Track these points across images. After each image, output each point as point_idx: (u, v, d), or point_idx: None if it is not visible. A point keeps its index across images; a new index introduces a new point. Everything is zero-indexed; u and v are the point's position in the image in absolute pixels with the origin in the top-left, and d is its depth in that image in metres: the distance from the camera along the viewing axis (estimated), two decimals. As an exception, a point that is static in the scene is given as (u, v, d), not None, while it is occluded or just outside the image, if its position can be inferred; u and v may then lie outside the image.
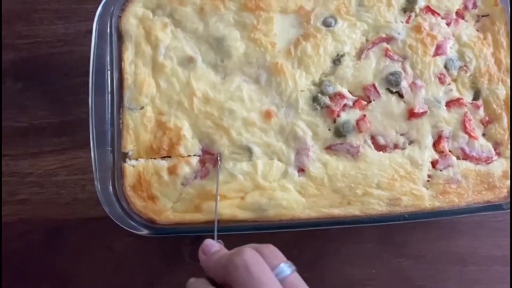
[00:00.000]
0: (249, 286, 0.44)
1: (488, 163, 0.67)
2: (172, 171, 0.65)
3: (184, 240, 0.72)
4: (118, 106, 0.67)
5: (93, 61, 0.66)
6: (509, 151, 0.68)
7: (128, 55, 0.69)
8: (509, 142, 0.68)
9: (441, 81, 0.69)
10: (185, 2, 0.70)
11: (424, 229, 0.74)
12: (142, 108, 0.67)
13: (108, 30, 0.69)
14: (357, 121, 0.67)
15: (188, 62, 0.69)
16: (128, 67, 0.68)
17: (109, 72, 0.67)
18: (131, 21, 0.70)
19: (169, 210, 0.64)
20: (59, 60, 0.78)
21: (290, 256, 0.68)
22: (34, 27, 0.80)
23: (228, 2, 0.70)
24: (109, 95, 0.67)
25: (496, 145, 0.68)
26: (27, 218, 0.72)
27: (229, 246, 0.69)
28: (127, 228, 0.62)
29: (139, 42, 0.69)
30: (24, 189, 0.73)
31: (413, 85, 0.68)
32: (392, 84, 0.68)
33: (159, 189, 0.64)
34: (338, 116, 0.67)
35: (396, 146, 0.67)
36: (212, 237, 0.57)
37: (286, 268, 0.47)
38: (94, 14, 0.68)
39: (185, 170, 0.65)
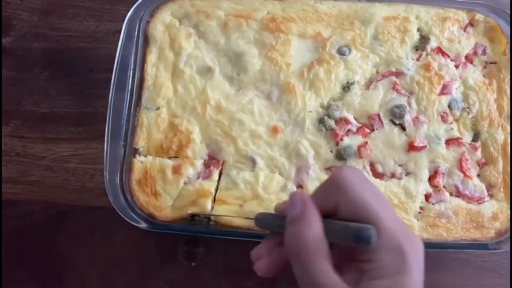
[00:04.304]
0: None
1: (480, 203, 0.69)
2: (176, 170, 0.68)
3: (180, 240, 0.74)
4: (136, 104, 0.71)
5: (118, 59, 0.70)
6: (501, 194, 0.70)
7: (152, 58, 0.73)
8: (503, 185, 0.70)
9: (444, 119, 0.72)
10: (211, 16, 0.74)
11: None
12: (157, 108, 0.71)
13: (136, 33, 0.73)
14: (359, 147, 0.70)
15: (206, 71, 0.73)
16: (150, 69, 0.72)
17: (131, 71, 0.71)
18: (158, 27, 0.74)
19: (169, 208, 0.67)
20: (86, 55, 0.82)
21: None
22: (67, 21, 0.84)
23: (251, 21, 0.74)
24: (129, 93, 0.70)
25: (489, 187, 0.70)
26: (36, 199, 0.75)
27: (221, 249, 0.72)
28: (127, 220, 0.65)
29: (163, 48, 0.73)
30: (36, 171, 0.76)
31: (416, 120, 0.71)
32: (396, 116, 0.71)
33: (162, 186, 0.67)
34: (341, 140, 0.70)
35: (393, 175, 0.70)
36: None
37: None
38: (125, 16, 0.73)
39: (189, 170, 0.68)
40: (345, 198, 0.43)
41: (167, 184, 0.67)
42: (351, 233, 0.40)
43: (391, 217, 0.42)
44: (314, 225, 0.42)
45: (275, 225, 0.46)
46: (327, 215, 0.44)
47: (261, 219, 0.50)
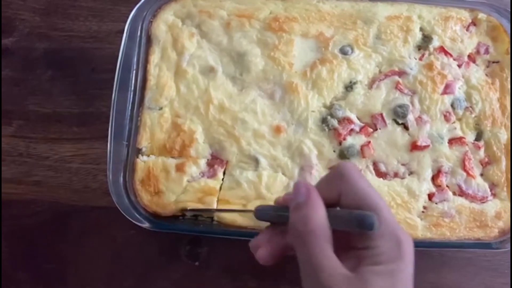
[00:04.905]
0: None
1: (483, 202, 0.69)
2: (179, 168, 0.68)
3: (183, 240, 0.74)
4: (139, 104, 0.71)
5: (120, 59, 0.70)
6: (504, 193, 0.70)
7: (154, 58, 0.73)
8: (506, 184, 0.70)
9: (446, 118, 0.72)
10: (213, 16, 0.74)
11: (415, 259, 0.75)
12: (160, 108, 0.71)
13: (138, 33, 0.73)
14: (362, 147, 0.70)
15: (209, 71, 0.73)
16: (152, 69, 0.72)
17: (134, 71, 0.71)
18: (161, 27, 0.74)
19: (172, 203, 0.67)
20: (88, 55, 0.82)
21: (277, 270, 0.70)
22: (69, 22, 0.84)
23: (253, 20, 0.74)
24: (132, 93, 0.70)
25: (493, 186, 0.70)
26: (39, 199, 0.75)
27: (224, 249, 0.72)
28: (131, 220, 0.65)
29: (166, 48, 0.73)
30: (39, 171, 0.76)
31: (419, 119, 0.71)
32: (399, 115, 0.71)
33: (165, 184, 0.67)
34: (344, 139, 0.70)
35: (396, 175, 0.70)
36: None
37: None
38: (127, 16, 0.73)
39: (192, 168, 0.68)
40: (349, 187, 0.45)
41: (170, 182, 0.67)
42: (355, 219, 0.43)
43: (388, 210, 0.45)
44: (319, 210, 0.44)
45: (276, 215, 0.48)
46: (329, 206, 0.46)
47: (261, 210, 0.52)
